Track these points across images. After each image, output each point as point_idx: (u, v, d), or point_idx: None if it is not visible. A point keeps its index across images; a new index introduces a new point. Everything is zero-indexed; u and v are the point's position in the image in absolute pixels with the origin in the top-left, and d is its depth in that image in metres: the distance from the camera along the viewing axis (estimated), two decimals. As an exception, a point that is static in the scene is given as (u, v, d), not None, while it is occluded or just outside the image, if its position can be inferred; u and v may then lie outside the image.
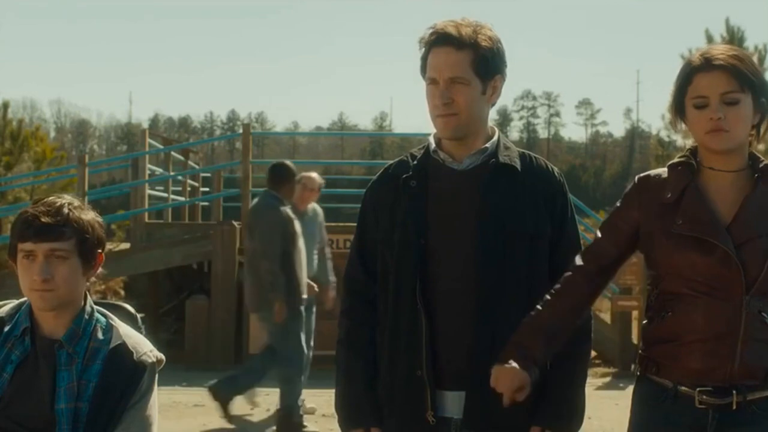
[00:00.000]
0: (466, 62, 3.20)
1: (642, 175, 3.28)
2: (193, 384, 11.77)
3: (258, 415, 10.06)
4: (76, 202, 3.12)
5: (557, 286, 3.20)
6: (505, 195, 3.23)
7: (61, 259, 3.03)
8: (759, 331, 3.06)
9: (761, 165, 3.18)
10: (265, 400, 10.72)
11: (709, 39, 25.81)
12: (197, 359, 13.54)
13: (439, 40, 3.21)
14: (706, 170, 3.17)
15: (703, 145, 3.14)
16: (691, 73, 3.11)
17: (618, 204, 3.28)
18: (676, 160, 3.24)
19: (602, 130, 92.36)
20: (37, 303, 3.06)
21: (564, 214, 3.32)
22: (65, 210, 3.05)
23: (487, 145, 3.30)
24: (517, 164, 3.29)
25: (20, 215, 3.06)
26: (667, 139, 28.02)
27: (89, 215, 3.11)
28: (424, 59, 3.26)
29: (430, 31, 3.24)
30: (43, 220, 3.00)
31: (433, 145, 3.33)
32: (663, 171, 3.24)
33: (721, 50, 3.12)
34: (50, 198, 3.11)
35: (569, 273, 3.21)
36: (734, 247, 3.04)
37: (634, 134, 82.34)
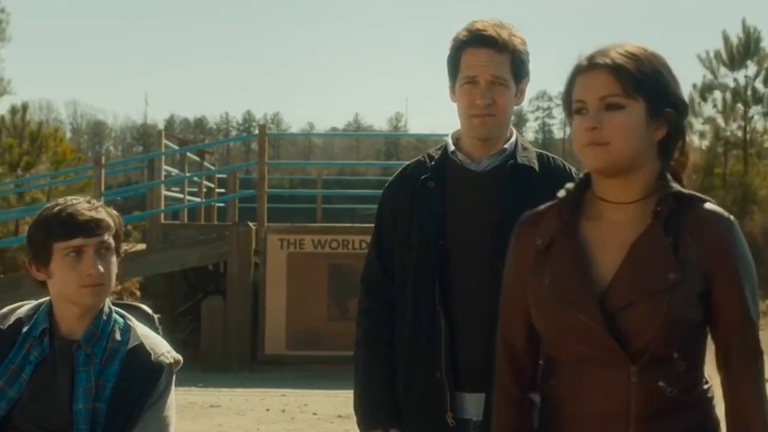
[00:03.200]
0: (506, 65, 3.23)
1: (523, 216, 2.73)
2: (209, 385, 11.81)
3: (274, 415, 10.06)
4: (95, 200, 3.16)
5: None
6: (523, 196, 3.22)
7: (108, 253, 3.07)
8: (659, 406, 2.46)
9: (665, 194, 2.53)
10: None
11: (726, 39, 25.84)
12: (213, 360, 13.59)
13: (480, 41, 3.22)
14: (599, 203, 2.58)
15: (583, 162, 2.57)
16: (573, 74, 2.57)
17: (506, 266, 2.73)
18: (560, 192, 2.67)
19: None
20: (88, 299, 3.05)
21: (581, 215, 3.31)
22: (98, 205, 3.10)
23: (505, 146, 3.30)
24: (535, 165, 3.29)
25: (51, 216, 3.04)
26: (683, 140, 27.95)
27: (113, 211, 3.15)
28: (457, 58, 3.26)
29: (469, 31, 3.24)
30: (88, 214, 3.03)
31: (451, 147, 3.33)
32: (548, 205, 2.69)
33: (614, 47, 2.55)
34: (73, 197, 3.13)
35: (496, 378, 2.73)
36: (607, 316, 2.44)
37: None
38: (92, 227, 3.03)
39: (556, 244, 2.58)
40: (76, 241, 3.02)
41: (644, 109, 2.48)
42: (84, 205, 3.06)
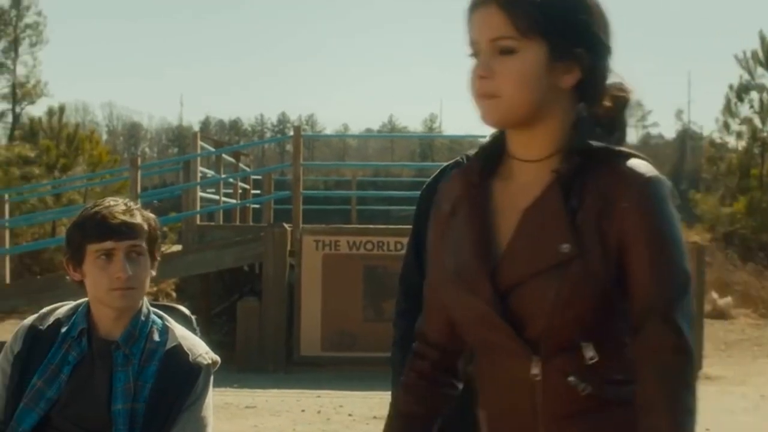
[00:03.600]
0: None
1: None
2: (244, 385, 11.84)
3: (310, 416, 10.08)
4: (133, 203, 3.16)
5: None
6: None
7: (140, 257, 3.07)
8: (572, 405, 2.04)
9: (568, 149, 2.06)
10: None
11: (762, 39, 25.65)
12: (249, 361, 13.62)
13: None
14: (511, 161, 2.15)
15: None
16: (469, 9, 2.11)
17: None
18: (471, 149, 2.28)
19: (653, 131, 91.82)
20: (118, 302, 3.07)
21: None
22: (134, 209, 3.10)
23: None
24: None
25: (87, 217, 3.07)
26: (719, 141, 27.83)
27: (150, 214, 3.15)
28: None
29: None
30: (121, 218, 3.04)
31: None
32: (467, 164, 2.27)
33: None
34: (110, 199, 3.15)
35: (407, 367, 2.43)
36: (500, 297, 2.05)
37: (686, 136, 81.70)
38: (123, 231, 3.03)
39: (458, 209, 2.17)
40: (107, 244, 3.04)
41: (545, 52, 2.02)
42: (119, 208, 3.07)
